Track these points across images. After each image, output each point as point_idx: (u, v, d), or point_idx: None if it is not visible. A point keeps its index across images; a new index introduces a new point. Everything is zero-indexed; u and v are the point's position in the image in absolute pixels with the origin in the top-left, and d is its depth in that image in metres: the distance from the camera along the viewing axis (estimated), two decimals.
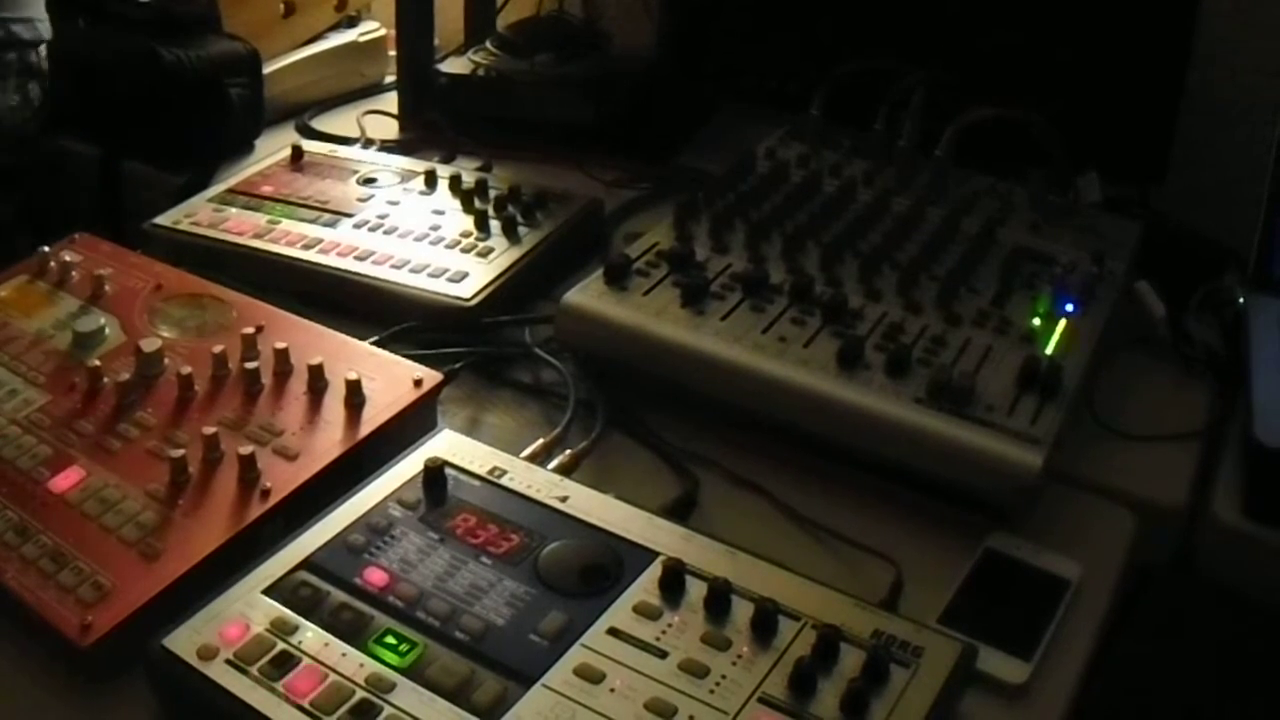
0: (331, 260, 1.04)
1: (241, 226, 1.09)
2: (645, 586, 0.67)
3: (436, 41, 1.48)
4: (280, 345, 0.85)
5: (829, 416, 0.82)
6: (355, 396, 0.82)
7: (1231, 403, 0.91)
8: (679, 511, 0.79)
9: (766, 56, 1.34)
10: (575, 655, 0.63)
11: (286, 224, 1.09)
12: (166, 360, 0.86)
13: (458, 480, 0.76)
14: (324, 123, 1.43)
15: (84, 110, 1.32)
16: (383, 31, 1.54)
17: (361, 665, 0.63)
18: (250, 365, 0.84)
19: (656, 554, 0.69)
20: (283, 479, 0.76)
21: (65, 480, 0.77)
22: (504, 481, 0.76)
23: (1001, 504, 0.78)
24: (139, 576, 0.69)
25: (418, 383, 0.84)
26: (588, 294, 0.92)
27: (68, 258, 0.99)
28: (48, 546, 0.72)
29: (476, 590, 0.67)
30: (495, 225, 1.08)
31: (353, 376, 0.82)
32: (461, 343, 0.96)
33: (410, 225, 1.08)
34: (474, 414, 0.91)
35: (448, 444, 0.79)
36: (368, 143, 1.33)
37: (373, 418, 0.81)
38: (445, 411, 0.89)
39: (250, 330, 0.87)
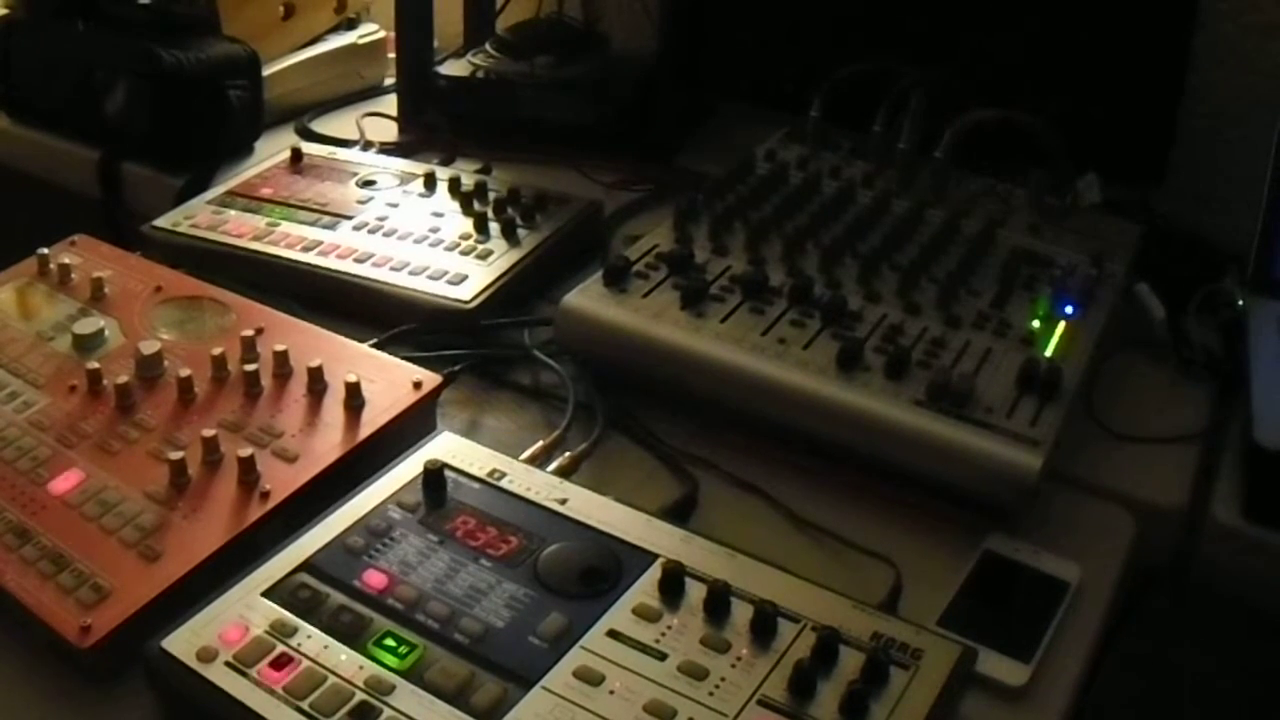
0: (331, 262, 1.04)
1: (241, 229, 1.09)
2: (645, 589, 0.67)
3: (436, 44, 1.48)
4: (280, 347, 0.85)
5: (828, 418, 0.82)
6: (355, 399, 0.82)
7: (1231, 405, 0.91)
8: (678, 513, 0.79)
9: (766, 58, 1.34)
10: (575, 657, 0.63)
11: (286, 226, 1.09)
12: (166, 362, 0.86)
13: (457, 482, 0.76)
14: (323, 125, 1.43)
15: (84, 111, 1.32)
16: (382, 34, 1.54)
17: (361, 667, 0.63)
18: (250, 367, 0.84)
19: (656, 556, 0.69)
20: (282, 481, 0.76)
21: (65, 482, 0.77)
22: (503, 484, 0.76)
23: (1001, 506, 0.78)
24: (138, 578, 0.69)
25: (417, 385, 0.84)
26: (587, 296, 0.92)
27: (67, 260, 0.99)
28: (47, 548, 0.72)
29: (476, 592, 0.67)
30: (494, 227, 1.08)
31: (352, 379, 0.82)
32: (461, 345, 0.96)
33: (409, 227, 1.08)
34: (473, 416, 0.91)
35: (447, 446, 0.79)
36: (367, 145, 1.34)
37: (372, 420, 0.81)
38: (445, 414, 0.89)
39: (250, 332, 0.87)
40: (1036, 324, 0.90)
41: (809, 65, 1.19)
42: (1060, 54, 1.15)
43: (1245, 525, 0.81)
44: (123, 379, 0.83)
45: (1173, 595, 0.87)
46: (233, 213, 1.12)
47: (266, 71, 1.37)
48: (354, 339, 0.89)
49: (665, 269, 0.95)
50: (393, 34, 1.45)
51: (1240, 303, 0.99)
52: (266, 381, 0.84)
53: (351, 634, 0.65)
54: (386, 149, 1.33)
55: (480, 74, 1.38)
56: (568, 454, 0.84)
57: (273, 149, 1.27)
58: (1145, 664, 0.90)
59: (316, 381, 0.83)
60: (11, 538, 0.73)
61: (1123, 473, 0.86)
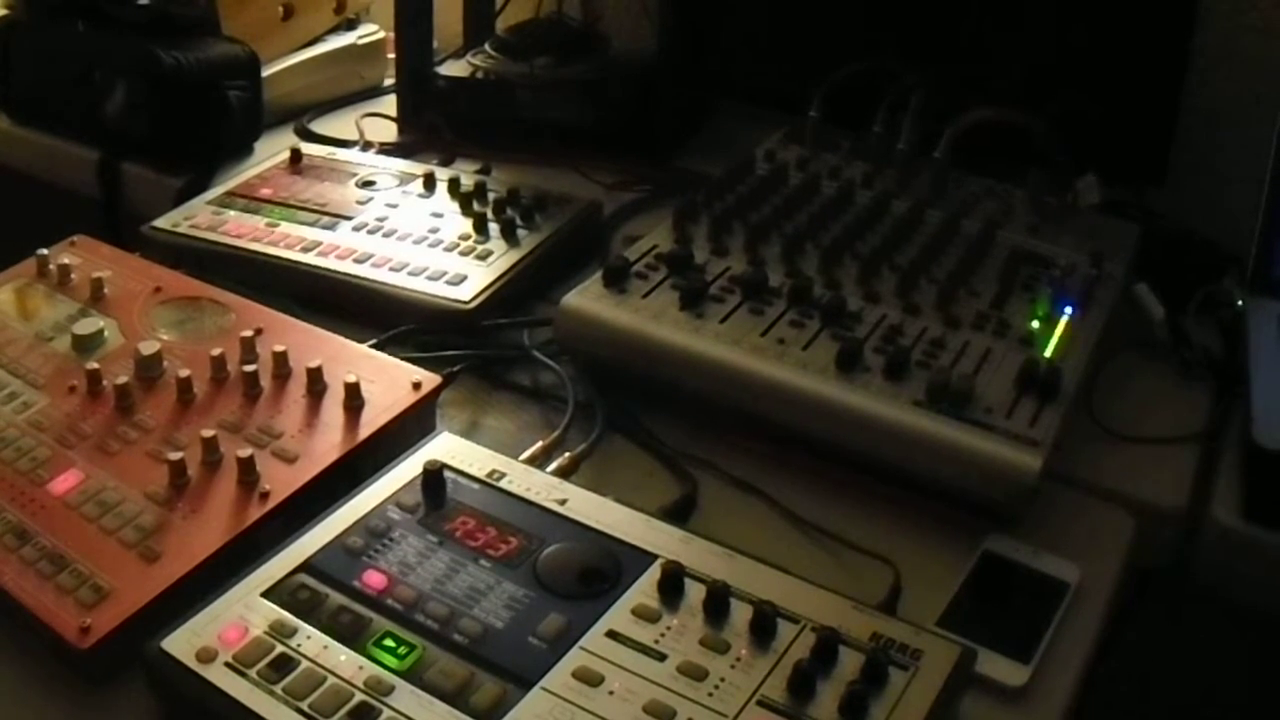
0: (330, 263, 1.04)
1: (240, 229, 1.09)
2: (644, 589, 0.67)
3: (435, 44, 1.48)
4: (279, 348, 0.85)
5: (828, 419, 0.82)
6: (354, 399, 0.81)
7: (1230, 405, 0.91)
8: (678, 514, 0.79)
9: (765, 58, 1.34)
10: (574, 658, 0.63)
11: (285, 227, 1.09)
12: (165, 363, 0.86)
13: (456, 483, 0.76)
14: (323, 125, 1.43)
15: (84, 112, 1.32)
16: (381, 34, 1.54)
17: (360, 668, 0.63)
18: (249, 368, 0.84)
19: (655, 556, 0.69)
20: (282, 481, 0.76)
21: (64, 482, 0.77)
22: (503, 484, 0.76)
23: (1000, 506, 0.78)
24: (138, 579, 0.69)
25: (416, 385, 0.84)
26: (586, 296, 0.92)
27: (67, 260, 0.99)
28: (47, 549, 0.72)
29: (475, 593, 0.67)
30: (494, 228, 1.08)
31: (352, 379, 0.82)
32: (460, 345, 0.96)
33: (409, 228, 1.08)
34: (473, 416, 0.91)
35: (446, 446, 0.79)
36: (366, 145, 1.33)
37: (372, 420, 0.81)
38: (444, 414, 0.89)
39: (249, 333, 0.87)
40: (1036, 324, 0.90)
41: (809, 65, 1.19)
42: (1060, 54, 1.15)
43: (1245, 525, 0.81)
44: (122, 379, 0.83)
45: (1173, 595, 0.87)
46: (232, 213, 1.12)
47: (266, 72, 1.37)
48: (354, 339, 0.89)
49: (665, 269, 0.95)
50: (392, 34, 1.45)
51: (1240, 303, 0.99)
52: (266, 382, 0.84)
53: (351, 634, 0.65)
54: (386, 149, 1.33)
55: (480, 74, 1.38)
56: (567, 454, 0.84)
57: (272, 149, 1.27)
58: (1145, 664, 0.90)
59: (316, 382, 0.83)
60: (11, 538, 0.73)
61: (1123, 473, 0.86)
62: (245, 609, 0.66)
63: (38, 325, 0.93)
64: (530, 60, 1.37)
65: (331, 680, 0.62)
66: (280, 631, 0.65)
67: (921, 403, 0.81)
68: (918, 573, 0.74)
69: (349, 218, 1.11)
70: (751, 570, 0.69)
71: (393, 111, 1.44)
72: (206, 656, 0.63)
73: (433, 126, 1.36)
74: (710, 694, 0.61)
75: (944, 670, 0.63)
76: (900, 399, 0.82)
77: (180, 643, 0.64)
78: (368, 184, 1.17)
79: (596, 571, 0.69)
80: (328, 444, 0.79)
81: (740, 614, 0.65)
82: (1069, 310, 0.92)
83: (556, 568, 0.69)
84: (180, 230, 1.10)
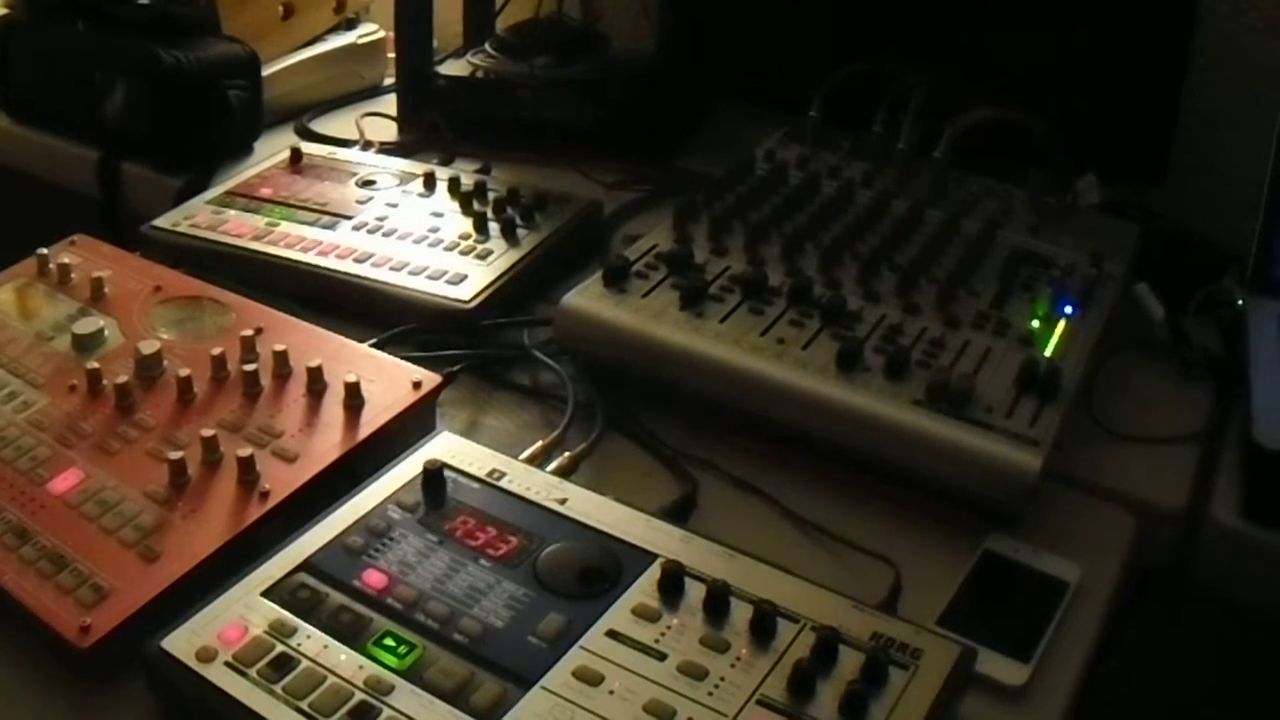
0: (330, 262, 1.04)
1: (240, 229, 1.09)
2: (644, 589, 0.67)
3: (435, 44, 1.48)
4: (279, 347, 0.85)
5: (828, 418, 0.82)
6: (354, 399, 0.81)
7: (1230, 405, 0.91)
8: (678, 514, 0.79)
9: (765, 58, 1.34)
10: (574, 657, 0.63)
11: (285, 226, 1.09)
12: (165, 362, 0.86)
13: (457, 482, 0.76)
14: (323, 125, 1.43)
15: (84, 112, 1.32)
16: (382, 34, 1.54)
17: (360, 667, 0.63)
18: (249, 367, 0.84)
19: (655, 556, 0.69)
20: (282, 481, 0.76)
21: (64, 482, 0.77)
22: (503, 484, 0.76)
23: (1000, 506, 0.78)
24: (138, 578, 0.69)
25: (416, 385, 0.84)
26: (586, 296, 0.92)
27: (67, 260, 0.99)
28: (47, 548, 0.72)
29: (475, 592, 0.67)
30: (494, 227, 1.08)
31: (352, 379, 0.82)
32: (460, 345, 0.96)
33: (409, 227, 1.08)
34: (473, 416, 0.91)
35: (447, 446, 0.79)
36: (366, 145, 1.33)
37: (372, 420, 0.81)
38: (444, 414, 0.89)
39: (249, 332, 0.87)
40: (1036, 324, 0.90)
41: (809, 65, 1.19)
42: (1060, 54, 1.15)
43: (1245, 525, 0.81)
44: (122, 379, 0.83)
45: (1173, 595, 0.87)
46: (232, 213, 1.12)
47: (266, 71, 1.37)
48: (354, 339, 0.89)
49: (665, 269, 0.95)
50: (392, 34, 1.45)
51: (1240, 303, 0.99)
52: (266, 381, 0.84)
53: (351, 634, 0.65)
54: (386, 149, 1.32)
55: (480, 74, 1.38)
56: (567, 454, 0.84)
57: (272, 149, 1.27)
58: (1145, 664, 0.90)
59: (316, 381, 0.83)
60: (11, 537, 0.73)
61: (1123, 473, 0.86)
62: (245, 608, 0.66)
63: (38, 325, 0.93)
64: (530, 60, 1.37)
65: (331, 680, 0.62)
66: (280, 631, 0.65)
67: (921, 402, 0.81)
68: (918, 572, 0.74)
69: (349, 217, 1.11)
70: (751, 570, 0.69)
71: (393, 111, 1.44)
72: (206, 656, 0.63)
73: (433, 126, 1.36)
74: (710, 693, 0.61)
75: (944, 670, 0.63)
76: (900, 398, 0.82)
77: (180, 642, 0.64)
78: (368, 183, 1.17)
79: (596, 571, 0.69)
80: (328, 443, 0.79)
81: (740, 613, 0.65)
82: (1069, 310, 0.92)
83: (556, 567, 0.69)
84: (180, 230, 1.10)
